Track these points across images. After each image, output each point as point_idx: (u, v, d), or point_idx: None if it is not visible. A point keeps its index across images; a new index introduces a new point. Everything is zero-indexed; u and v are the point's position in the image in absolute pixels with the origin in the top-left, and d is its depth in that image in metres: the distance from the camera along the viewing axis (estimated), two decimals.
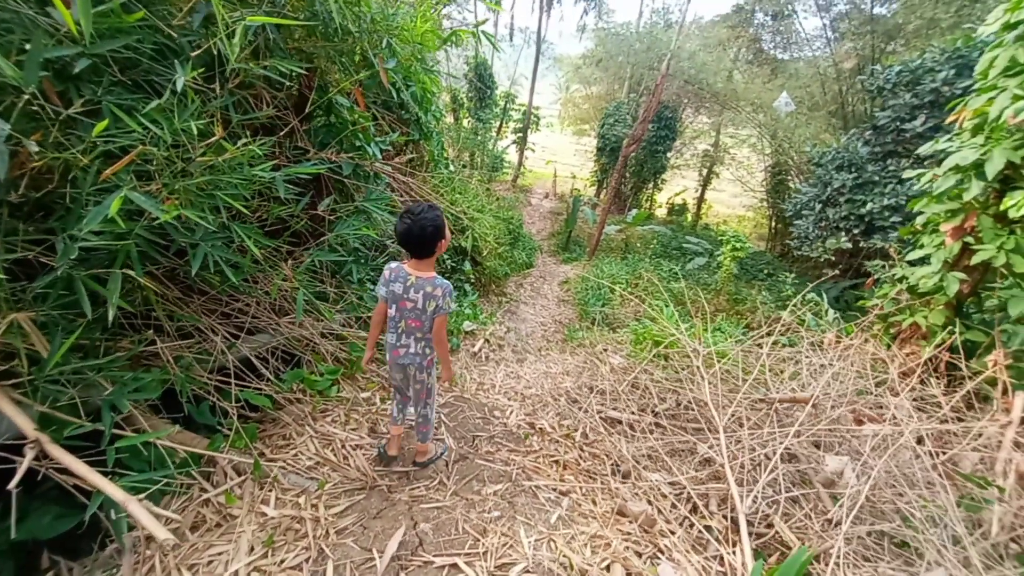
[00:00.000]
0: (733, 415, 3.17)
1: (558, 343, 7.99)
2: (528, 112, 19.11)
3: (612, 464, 2.63)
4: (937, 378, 4.14)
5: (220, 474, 1.90)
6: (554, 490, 2.23)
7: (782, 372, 4.49)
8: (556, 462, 2.56)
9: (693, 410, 3.77)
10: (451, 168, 6.44)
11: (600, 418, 3.41)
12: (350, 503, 2.00)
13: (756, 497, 2.15)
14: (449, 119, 15.25)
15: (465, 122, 15.86)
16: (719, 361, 3.85)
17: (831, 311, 7.84)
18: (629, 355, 5.58)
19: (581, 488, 2.27)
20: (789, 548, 1.95)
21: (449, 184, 6.32)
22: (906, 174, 4.54)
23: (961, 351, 4.13)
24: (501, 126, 18.50)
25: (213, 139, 1.54)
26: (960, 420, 3.53)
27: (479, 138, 15.09)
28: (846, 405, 2.81)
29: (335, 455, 2.24)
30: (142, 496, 1.33)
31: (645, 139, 16.33)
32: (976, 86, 4.15)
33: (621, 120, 18.34)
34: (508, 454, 2.57)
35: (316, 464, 2.17)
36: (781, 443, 2.53)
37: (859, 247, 9.98)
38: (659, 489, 2.39)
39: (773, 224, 18.87)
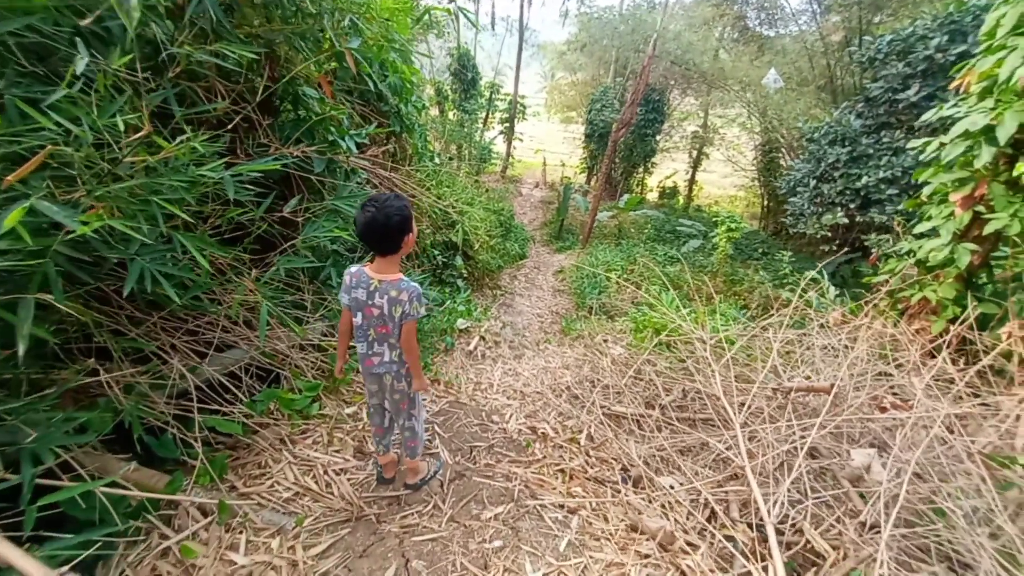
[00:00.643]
0: (747, 407, 3.00)
1: (556, 335, 7.81)
2: (514, 101, 18.79)
3: (621, 469, 2.44)
4: (950, 354, 3.99)
5: (183, 515, 1.69)
6: (561, 507, 2.04)
7: (790, 356, 4.32)
8: (561, 471, 2.37)
9: (701, 400, 3.60)
10: (436, 161, 6.20)
11: (604, 416, 3.23)
12: (333, 540, 1.79)
13: (781, 501, 1.96)
14: (434, 112, 14.92)
15: (451, 114, 15.54)
16: (727, 348, 3.67)
17: (832, 288, 7.71)
18: (630, 345, 5.40)
19: (591, 503, 2.07)
20: (822, 559, 1.77)
21: (435, 177, 6.08)
22: (911, 144, 4.35)
23: (974, 325, 3.98)
24: (487, 117, 18.18)
25: (139, 135, 1.31)
26: (976, 396, 3.38)
27: (465, 130, 14.79)
28: (867, 391, 2.63)
29: (316, 483, 2.03)
30: (81, 557, 1.13)
31: (634, 123, 16.07)
32: (982, 47, 3.96)
33: (608, 105, 18.08)
34: (509, 466, 2.38)
35: (295, 495, 1.95)
36: (802, 438, 2.35)
37: (855, 222, 9.83)
38: (674, 496, 2.20)
39: (765, 203, 18.72)
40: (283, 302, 2.30)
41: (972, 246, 3.98)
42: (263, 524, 1.76)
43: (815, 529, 1.89)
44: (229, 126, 1.78)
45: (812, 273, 9.05)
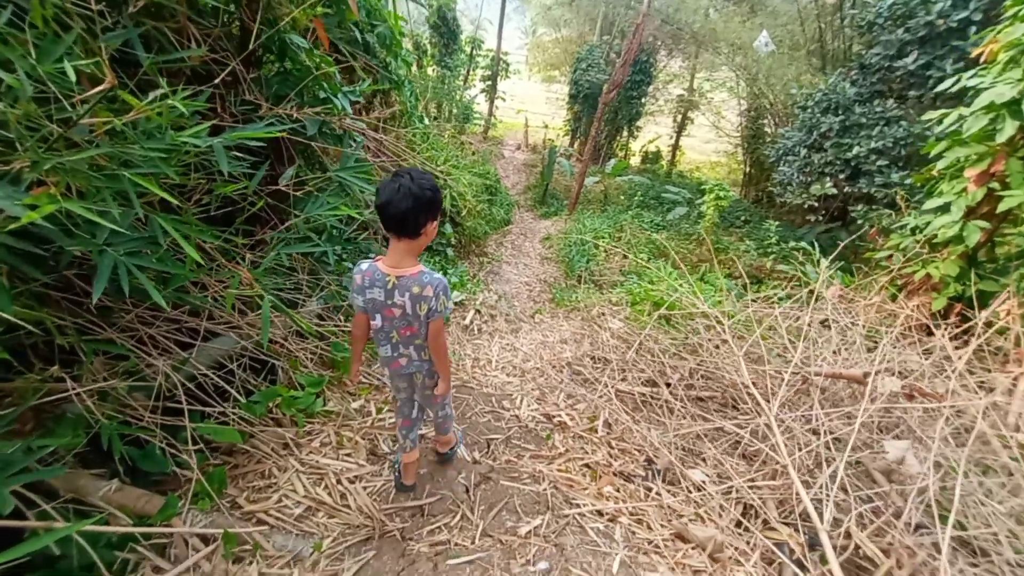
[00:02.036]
0: (775, 395, 2.90)
1: (545, 304, 7.67)
2: (497, 58, 17.92)
3: (646, 461, 2.32)
4: (947, 330, 3.99)
5: (180, 543, 1.46)
6: (600, 514, 1.89)
7: (798, 332, 4.26)
8: (586, 466, 2.23)
9: (708, 379, 3.50)
10: (425, 121, 5.77)
11: (616, 397, 3.10)
12: (358, 566, 1.57)
13: (823, 499, 1.86)
14: (414, 68, 14.07)
15: (430, 70, 14.71)
16: (725, 323, 3.57)
17: (823, 260, 7.71)
18: (628, 318, 5.28)
19: (627, 507, 1.93)
20: (873, 565, 1.68)
21: (425, 139, 5.68)
22: (926, 115, 4.19)
23: (975, 302, 3.97)
24: (468, 74, 17.33)
25: (98, 88, 0.99)
26: (972, 373, 3.39)
27: (446, 87, 14.05)
28: (889, 376, 2.53)
29: (330, 494, 1.82)
30: None
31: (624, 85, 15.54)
32: (1008, 13, 3.78)
33: (595, 64, 17.43)
34: (532, 462, 2.22)
35: (307, 510, 1.75)
36: (828, 426, 2.25)
37: (843, 192, 9.82)
38: (704, 490, 2.09)
39: (748, 170, 18.64)
40: (277, 286, 2.02)
41: (982, 223, 3.92)
42: (276, 551, 1.55)
43: (861, 531, 1.80)
44: (216, 80, 1.43)
45: (803, 244, 9.02)
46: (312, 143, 2.26)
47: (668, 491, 2.06)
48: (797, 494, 1.86)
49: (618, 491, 2.04)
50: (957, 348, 3.67)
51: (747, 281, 8.62)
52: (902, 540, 1.70)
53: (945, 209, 4.11)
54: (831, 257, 4.96)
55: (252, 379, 1.90)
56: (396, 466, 2.02)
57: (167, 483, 1.56)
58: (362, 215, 2.40)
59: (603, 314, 5.37)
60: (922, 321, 4.57)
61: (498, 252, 10.22)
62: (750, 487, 2.04)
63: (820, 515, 1.70)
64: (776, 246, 10.07)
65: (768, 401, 2.36)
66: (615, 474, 2.17)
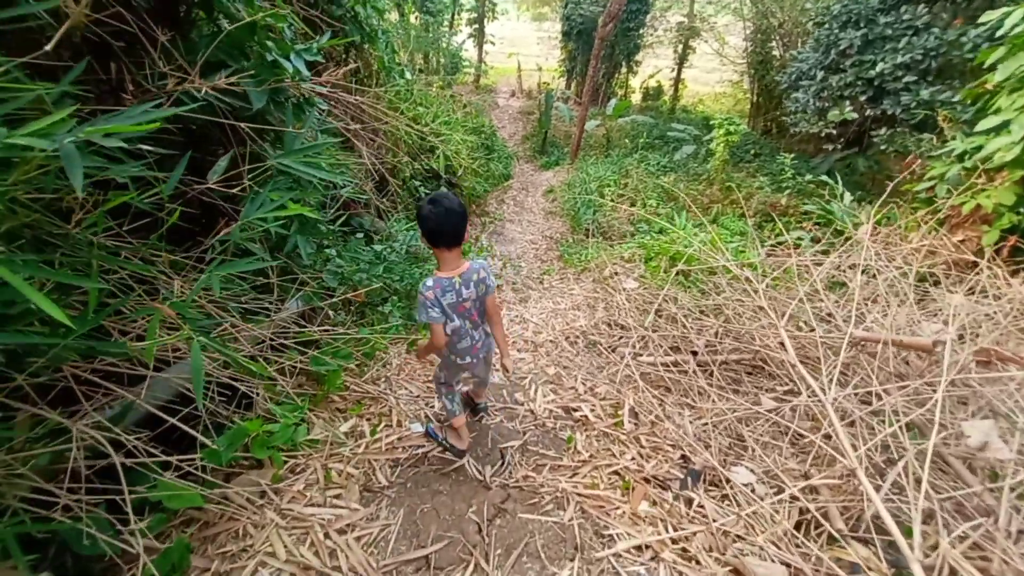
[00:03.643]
0: (812, 360, 2.58)
1: (553, 262, 7.33)
2: None
3: (681, 459, 2.04)
4: (998, 265, 3.60)
5: None
6: (640, 550, 1.62)
7: (833, 285, 3.89)
8: (616, 474, 1.96)
9: (733, 342, 3.20)
10: (408, 76, 5.22)
11: (638, 374, 2.81)
12: None
13: (909, 508, 1.58)
14: (393, 16, 13.05)
15: (412, 18, 13.65)
16: (763, 287, 3.21)
17: (847, 194, 7.20)
18: (643, 277, 4.92)
19: (671, 535, 1.65)
20: None
21: (408, 97, 5.15)
22: (985, 16, 3.61)
23: None
24: (453, 19, 16.15)
25: None
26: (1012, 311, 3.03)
27: (431, 35, 13.07)
28: (965, 339, 2.20)
29: (317, 553, 1.55)
30: None
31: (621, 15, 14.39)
32: None
33: None
34: (553, 476, 1.95)
35: None
36: (894, 405, 1.95)
37: (864, 115, 9.09)
38: (751, 494, 1.82)
39: (756, 99, 17.53)
40: (235, 293, 1.69)
41: None
42: None
43: (950, 544, 1.52)
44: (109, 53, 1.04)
45: (822, 176, 8.43)
46: (263, 119, 1.86)
47: (711, 497, 1.79)
48: (867, 499, 1.57)
49: (655, 505, 1.78)
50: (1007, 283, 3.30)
51: (758, 222, 8.14)
52: (1007, 555, 1.42)
53: (1003, 128, 3.60)
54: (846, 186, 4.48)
55: (222, 410, 1.61)
56: (442, 440, 2.23)
57: (115, 569, 1.29)
58: (319, 212, 2.03)
59: (616, 274, 5.01)
60: (966, 258, 4.16)
61: (499, 210, 9.78)
62: (805, 488, 1.76)
63: (903, 530, 1.41)
64: (791, 180, 9.45)
65: (820, 381, 2.03)
66: (648, 481, 1.90)
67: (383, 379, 2.58)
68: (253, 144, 1.71)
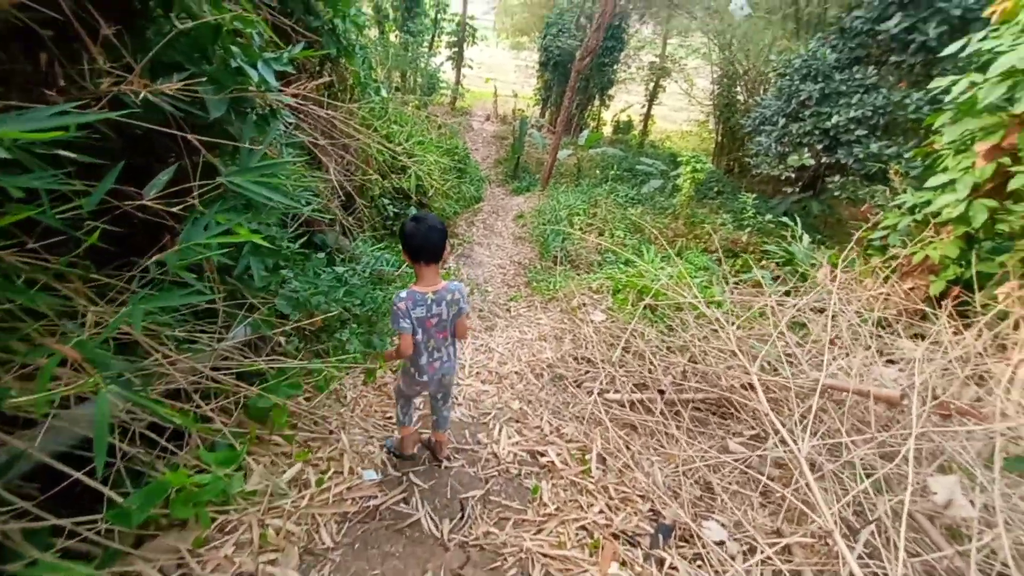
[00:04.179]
0: (774, 402, 2.57)
1: (520, 288, 7.26)
2: (463, 23, 16.87)
3: (651, 512, 1.95)
4: (945, 314, 3.76)
5: None
6: None
7: (794, 324, 3.96)
8: (584, 529, 1.85)
9: (698, 380, 3.18)
10: (383, 93, 5.12)
11: (605, 412, 2.73)
12: None
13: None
14: (373, 33, 13.01)
15: (392, 36, 13.66)
16: (733, 330, 3.22)
17: (805, 236, 7.50)
18: (610, 309, 4.91)
19: None
20: None
21: (382, 114, 5.04)
22: (933, 83, 3.85)
23: (975, 284, 3.74)
24: (433, 40, 16.27)
25: None
26: (964, 361, 3.15)
27: (410, 55, 13.09)
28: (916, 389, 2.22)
29: None
30: None
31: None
32: None
33: (565, 30, 16.62)
34: (516, 532, 1.81)
35: None
36: (862, 459, 1.93)
37: (820, 163, 9.61)
38: (725, 552, 1.74)
39: (720, 139, 18.33)
40: (178, 320, 1.51)
41: (989, 202, 3.65)
42: None
43: None
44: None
45: (783, 219, 8.77)
46: (232, 134, 1.70)
47: (682, 557, 1.70)
48: (843, 560, 1.51)
49: (624, 566, 1.67)
50: (956, 334, 3.43)
51: (719, 257, 8.38)
52: None
53: (949, 186, 3.81)
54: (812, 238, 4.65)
55: (141, 454, 1.39)
56: (389, 448, 2.36)
57: None
58: (279, 239, 1.88)
59: (584, 304, 4.98)
60: (914, 307, 4.36)
61: (469, 232, 9.71)
62: (775, 544, 1.69)
63: None
64: (752, 219, 9.81)
65: (790, 429, 2.00)
66: (617, 536, 1.80)
67: (335, 416, 2.38)
68: (209, 156, 1.56)
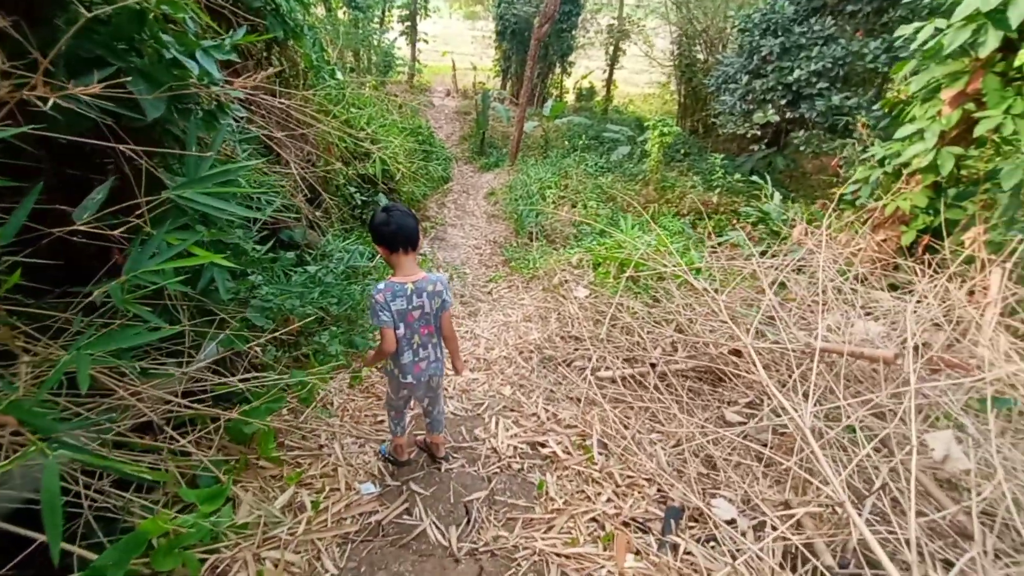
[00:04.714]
0: (768, 368, 2.57)
1: (499, 267, 7.17)
2: None
3: (659, 495, 1.93)
4: (915, 262, 3.85)
5: None
6: None
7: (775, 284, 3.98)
8: (594, 521, 1.81)
9: (690, 351, 3.18)
10: (339, 76, 4.83)
11: (600, 392, 2.69)
12: None
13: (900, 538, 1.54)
14: (320, 11, 12.28)
15: (340, 13, 12.94)
16: (723, 298, 3.21)
17: (776, 194, 7.57)
18: (593, 283, 4.87)
19: None
20: None
21: (340, 98, 4.77)
22: (900, 30, 3.82)
23: (944, 231, 3.83)
24: (384, 14, 15.53)
25: None
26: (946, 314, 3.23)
27: (361, 32, 12.46)
28: (904, 343, 2.25)
29: None
30: None
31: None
32: None
33: None
34: (526, 532, 1.76)
35: None
36: (860, 419, 1.94)
37: (785, 118, 9.67)
38: (736, 530, 1.73)
39: (683, 100, 18.26)
40: (151, 343, 1.36)
41: (956, 149, 3.69)
42: None
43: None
44: None
45: (752, 178, 8.82)
46: (175, 136, 1.52)
47: (696, 540, 1.69)
48: (854, 526, 1.52)
49: (639, 555, 1.64)
50: (930, 281, 3.51)
51: (691, 221, 8.42)
52: None
53: (917, 136, 3.84)
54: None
55: (109, 499, 1.26)
56: (384, 454, 2.28)
57: None
58: (243, 244, 1.72)
59: (566, 281, 4.91)
60: (887, 259, 4.46)
61: (440, 214, 9.49)
62: (786, 520, 1.69)
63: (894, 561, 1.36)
64: (721, 179, 9.85)
65: (790, 398, 1.99)
66: (628, 524, 1.77)
67: (324, 428, 2.27)
68: (150, 165, 1.39)
